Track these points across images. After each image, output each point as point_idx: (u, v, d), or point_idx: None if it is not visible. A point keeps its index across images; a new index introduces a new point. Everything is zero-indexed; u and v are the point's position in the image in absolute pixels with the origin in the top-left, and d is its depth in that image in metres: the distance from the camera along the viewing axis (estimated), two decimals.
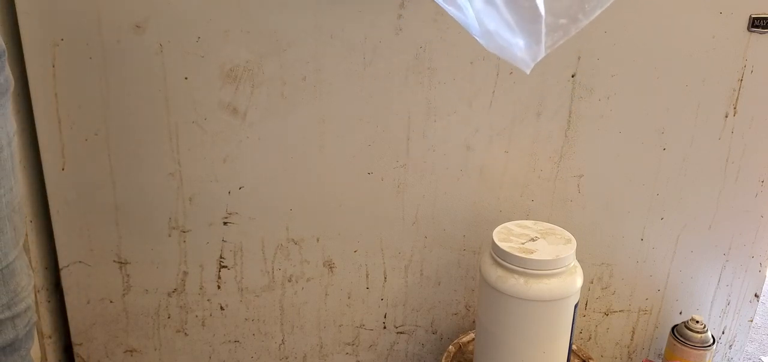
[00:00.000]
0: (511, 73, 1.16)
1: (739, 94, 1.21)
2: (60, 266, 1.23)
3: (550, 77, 1.17)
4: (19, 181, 0.79)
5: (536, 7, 0.66)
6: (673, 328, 1.31)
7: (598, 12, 0.68)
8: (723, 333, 1.43)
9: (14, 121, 0.77)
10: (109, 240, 1.22)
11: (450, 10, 0.75)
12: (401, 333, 1.37)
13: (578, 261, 1.11)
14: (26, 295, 0.82)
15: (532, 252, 1.06)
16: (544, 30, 0.67)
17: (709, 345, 1.27)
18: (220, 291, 1.28)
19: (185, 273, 1.26)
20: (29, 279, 0.83)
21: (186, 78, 1.11)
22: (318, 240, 1.26)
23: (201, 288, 1.28)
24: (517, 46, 0.67)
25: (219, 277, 1.27)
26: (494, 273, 1.07)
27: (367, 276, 1.30)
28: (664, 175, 1.26)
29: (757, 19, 1.15)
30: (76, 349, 1.31)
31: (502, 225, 1.15)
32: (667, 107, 1.21)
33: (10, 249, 0.78)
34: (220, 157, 1.17)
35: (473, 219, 1.27)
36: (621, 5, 1.13)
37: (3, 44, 0.75)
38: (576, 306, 1.10)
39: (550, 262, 1.05)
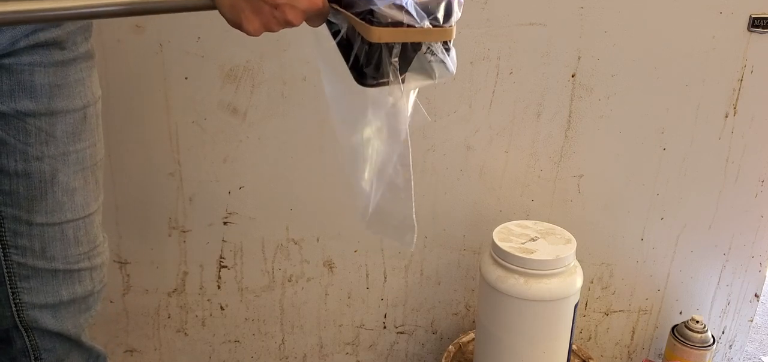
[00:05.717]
0: (511, 73, 1.16)
1: (739, 94, 1.20)
2: None
3: (550, 77, 1.17)
4: (102, 141, 0.82)
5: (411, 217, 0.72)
6: (673, 328, 1.31)
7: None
8: (723, 333, 1.43)
9: (99, 86, 0.81)
10: (109, 240, 1.21)
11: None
12: (401, 333, 1.37)
13: (578, 261, 1.11)
14: (103, 251, 0.85)
15: (532, 252, 1.06)
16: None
17: (709, 345, 1.27)
18: (220, 291, 1.28)
19: (185, 273, 1.26)
20: (104, 239, 0.85)
21: (186, 78, 1.11)
22: (318, 240, 1.26)
23: (201, 288, 1.28)
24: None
25: (219, 277, 1.27)
26: (494, 273, 1.07)
27: (367, 276, 1.30)
28: (664, 175, 1.26)
29: (757, 19, 1.15)
30: None
31: (502, 225, 1.15)
32: (667, 107, 1.21)
33: (92, 201, 0.81)
34: (220, 157, 1.17)
35: (473, 219, 1.27)
36: (621, 5, 1.13)
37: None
38: (576, 306, 1.10)
39: (550, 262, 1.05)
